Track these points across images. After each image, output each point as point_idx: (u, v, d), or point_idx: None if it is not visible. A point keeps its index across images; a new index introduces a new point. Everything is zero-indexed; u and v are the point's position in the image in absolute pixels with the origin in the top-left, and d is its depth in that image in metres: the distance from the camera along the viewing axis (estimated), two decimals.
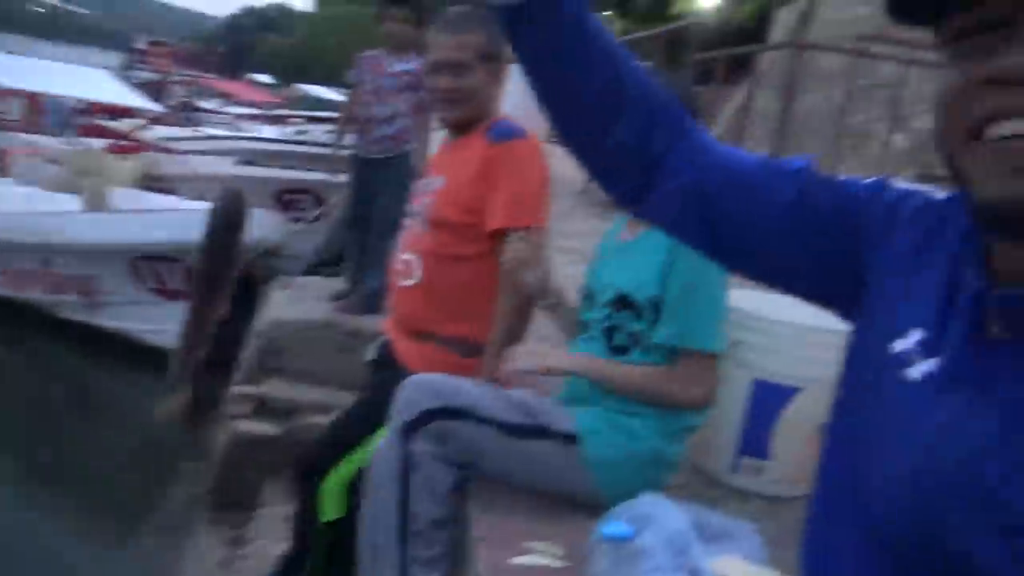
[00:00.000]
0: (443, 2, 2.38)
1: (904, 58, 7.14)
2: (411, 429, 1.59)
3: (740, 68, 10.60)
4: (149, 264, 5.59)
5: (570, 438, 1.61)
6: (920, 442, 0.64)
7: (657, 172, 0.81)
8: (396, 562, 1.61)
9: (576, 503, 1.64)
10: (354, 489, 1.98)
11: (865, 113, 8.20)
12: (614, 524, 1.22)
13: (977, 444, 0.60)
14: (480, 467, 1.66)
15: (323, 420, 3.27)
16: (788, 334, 1.86)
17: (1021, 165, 0.54)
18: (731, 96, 10.03)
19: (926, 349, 0.68)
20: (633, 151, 0.80)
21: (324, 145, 8.99)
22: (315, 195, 7.19)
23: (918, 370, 0.67)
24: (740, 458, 1.94)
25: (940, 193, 0.76)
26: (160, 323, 5.66)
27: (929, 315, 0.69)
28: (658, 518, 1.37)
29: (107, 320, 5.85)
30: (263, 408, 3.54)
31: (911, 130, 8.12)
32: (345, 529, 2.05)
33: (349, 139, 4.03)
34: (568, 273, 2.38)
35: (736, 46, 9.94)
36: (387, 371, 2.11)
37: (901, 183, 0.80)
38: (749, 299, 1.92)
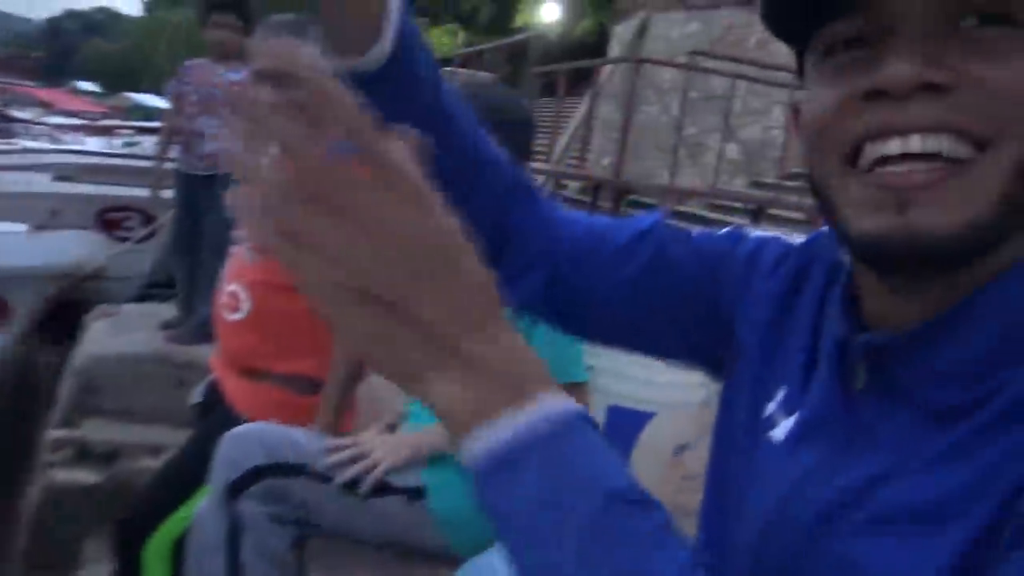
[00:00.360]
0: (269, 9, 2.21)
1: (732, 72, 7.51)
2: (237, 490, 1.42)
3: (582, 80, 10.84)
4: None
5: (416, 492, 1.49)
6: (772, 504, 0.59)
7: (507, 252, 0.74)
8: None
9: (426, 556, 1.52)
10: (180, 551, 1.79)
11: (699, 124, 8.57)
12: None
13: (826, 503, 0.55)
14: (319, 525, 1.51)
15: (153, 463, 2.99)
16: (638, 358, 1.82)
17: (902, 192, 0.47)
18: (574, 107, 10.24)
19: (788, 406, 0.63)
20: (484, 229, 0.72)
21: (152, 159, 8.46)
22: (143, 213, 6.70)
23: (782, 430, 0.62)
24: None
25: (798, 237, 0.71)
26: None
27: (794, 369, 0.64)
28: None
29: None
30: (83, 454, 3.20)
31: (741, 140, 8.55)
32: None
33: (173, 153, 3.76)
34: None
35: (577, 59, 10.16)
36: (215, 416, 1.92)
37: (757, 231, 0.75)
38: None
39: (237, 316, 1.90)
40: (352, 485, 1.45)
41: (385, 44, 0.58)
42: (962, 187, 0.46)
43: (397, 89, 0.60)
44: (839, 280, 0.62)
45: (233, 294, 1.91)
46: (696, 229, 0.77)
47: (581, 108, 9.95)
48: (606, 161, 9.87)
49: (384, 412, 2.34)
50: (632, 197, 9.29)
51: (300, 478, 1.44)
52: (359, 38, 0.58)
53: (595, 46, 12.31)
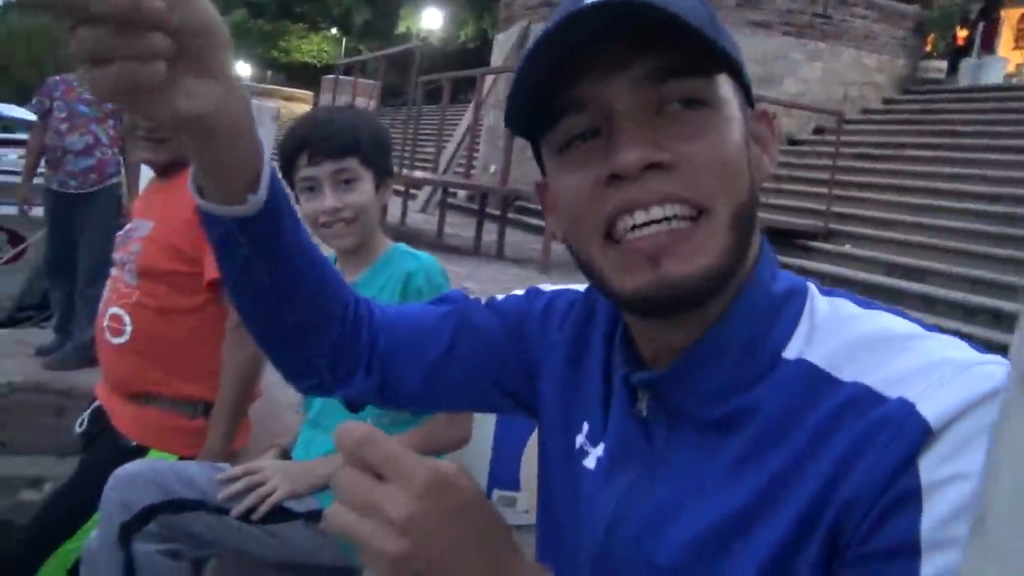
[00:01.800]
0: None
1: None
2: (130, 530, 1.41)
3: (468, 87, 10.90)
4: None
5: (314, 515, 1.52)
6: (599, 528, 0.66)
7: (341, 365, 0.82)
8: None
9: (328, 572, 1.55)
10: None
11: None
12: None
13: (642, 522, 0.62)
14: (218, 551, 1.51)
15: (34, 496, 2.87)
16: None
17: (652, 252, 0.57)
18: (459, 115, 10.29)
19: (593, 437, 0.71)
20: (324, 355, 0.81)
21: (17, 173, 7.99)
22: (9, 232, 6.35)
23: (592, 459, 0.70)
24: (492, 491, 1.95)
25: (583, 285, 0.80)
26: None
27: (594, 405, 0.73)
28: None
29: None
30: None
31: None
32: None
33: (40, 170, 3.61)
34: None
35: (461, 66, 10.22)
36: (102, 443, 1.89)
37: (550, 286, 0.86)
38: None
39: (121, 340, 1.87)
40: (248, 514, 1.47)
41: (262, 191, 0.66)
42: (695, 243, 0.57)
43: (272, 227, 0.68)
44: (618, 327, 0.72)
45: (116, 317, 1.88)
46: (499, 295, 0.87)
47: (466, 117, 10.03)
48: (492, 169, 9.96)
49: (279, 432, 2.34)
50: (519, 203, 9.43)
51: (195, 512, 1.44)
52: (238, 188, 0.65)
53: (477, 53, 12.41)
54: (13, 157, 11.20)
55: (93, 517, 1.76)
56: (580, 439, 0.72)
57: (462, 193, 10.26)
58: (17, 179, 7.98)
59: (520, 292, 0.86)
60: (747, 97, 0.63)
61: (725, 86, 0.60)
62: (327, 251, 1.78)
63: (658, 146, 0.57)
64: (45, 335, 3.69)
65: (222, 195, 0.65)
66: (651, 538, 0.61)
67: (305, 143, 1.53)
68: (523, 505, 1.96)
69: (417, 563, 0.45)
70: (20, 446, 3.16)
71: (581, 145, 0.60)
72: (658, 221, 0.57)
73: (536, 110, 0.61)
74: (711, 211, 0.57)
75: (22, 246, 5.82)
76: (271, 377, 1.99)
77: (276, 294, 0.73)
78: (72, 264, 3.52)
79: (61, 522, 1.75)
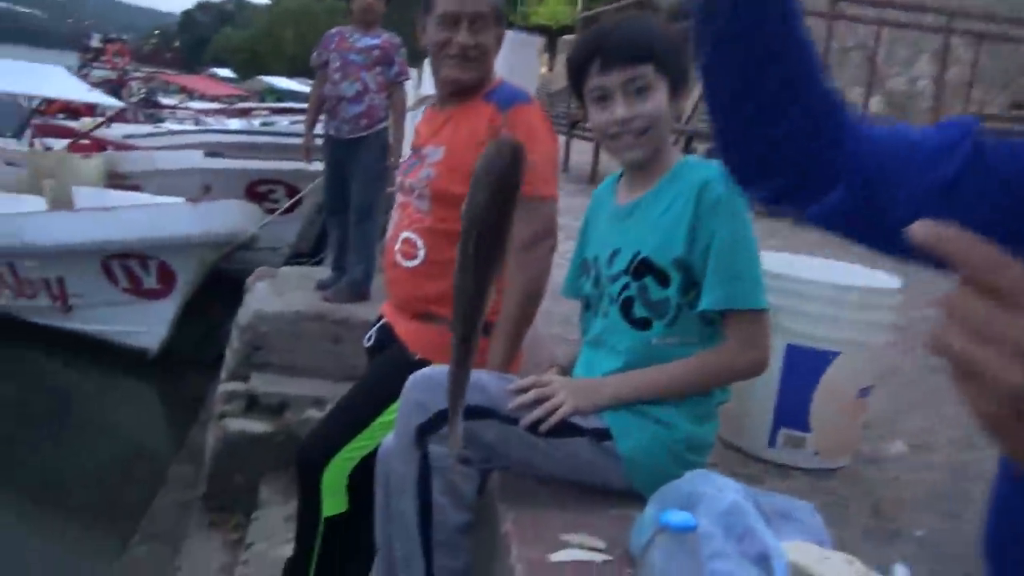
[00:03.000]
0: None
1: (873, 18, 7.07)
2: (426, 432, 1.45)
3: None
4: (121, 263, 5.40)
5: (601, 434, 1.49)
6: None
7: (817, 168, 0.75)
8: (421, 574, 1.49)
9: (609, 493, 1.52)
10: (356, 482, 1.87)
11: (841, 77, 8.15)
12: (674, 513, 1.10)
13: None
14: (505, 464, 1.53)
15: (317, 414, 3.13)
16: (822, 295, 1.75)
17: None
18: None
19: None
20: (801, 141, 0.74)
21: (292, 135, 8.77)
22: (287, 185, 7.00)
23: None
24: (777, 431, 1.83)
25: None
26: (137, 324, 5.48)
27: None
28: (709, 497, 1.26)
29: (81, 324, 5.65)
30: (253, 405, 3.39)
31: (886, 92, 8.08)
32: (350, 524, 1.94)
33: (321, 126, 3.90)
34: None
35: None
36: (388, 356, 1.98)
37: None
38: (777, 260, 1.82)
39: (414, 263, 1.94)
40: (536, 426, 1.47)
41: None
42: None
43: None
44: None
45: (409, 241, 1.95)
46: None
47: None
48: None
49: (543, 356, 2.36)
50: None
51: (488, 421, 1.45)
52: None
53: None
54: (285, 123, 12.38)
55: (374, 423, 1.87)
56: None
57: (702, 147, 9.94)
58: (290, 141, 8.75)
59: None
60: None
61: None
62: (613, 167, 1.75)
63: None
64: (324, 272, 3.99)
65: None
66: None
67: (596, 50, 1.48)
68: (812, 447, 1.82)
69: None
70: (304, 369, 3.46)
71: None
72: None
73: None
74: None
75: (297, 197, 6.37)
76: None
77: (764, 44, 0.72)
78: (345, 205, 3.75)
79: (345, 426, 1.87)
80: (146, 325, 5.42)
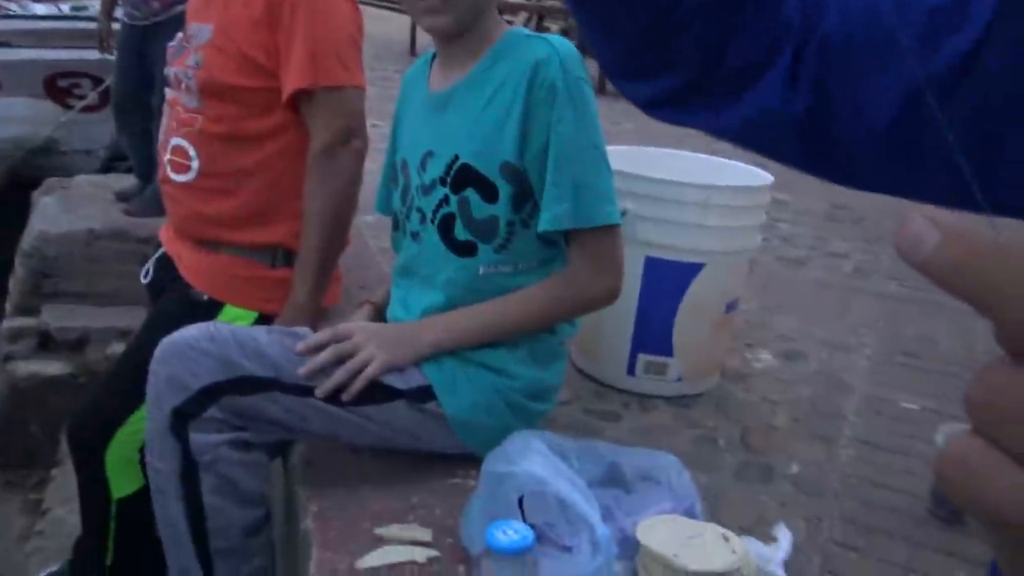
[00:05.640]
0: None
1: None
2: (186, 415, 1.10)
3: None
4: None
5: (422, 393, 1.18)
6: None
7: (739, 48, 0.46)
8: None
9: (438, 457, 1.23)
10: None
11: None
12: (502, 527, 0.81)
13: None
14: (300, 439, 1.21)
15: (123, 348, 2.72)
16: (686, 198, 1.48)
17: None
18: None
19: None
20: (713, 5, 0.46)
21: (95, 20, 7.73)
22: (94, 78, 6.14)
23: None
24: (636, 357, 1.58)
25: None
26: None
27: None
28: (539, 478, 0.97)
29: None
30: (46, 343, 2.91)
31: None
32: (148, 500, 1.60)
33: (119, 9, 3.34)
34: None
35: None
36: (171, 297, 1.60)
37: None
38: (630, 156, 1.52)
39: (186, 177, 1.54)
40: (337, 393, 1.14)
41: None
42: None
43: None
44: None
45: (179, 150, 1.55)
46: None
47: None
48: None
49: (371, 287, 2.03)
50: None
51: (268, 393, 1.12)
52: None
53: None
54: (98, 3, 11.01)
55: None
56: None
57: None
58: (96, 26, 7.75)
59: None
60: None
61: None
62: (426, 44, 1.38)
63: None
64: (128, 181, 3.47)
65: None
66: None
67: None
68: (675, 373, 1.59)
69: None
70: (105, 297, 2.99)
71: None
72: None
73: None
74: None
75: (102, 86, 5.59)
76: (362, 218, 1.64)
77: None
78: (147, 103, 3.23)
79: (123, 396, 1.49)
80: None
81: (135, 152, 3.41)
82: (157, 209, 3.07)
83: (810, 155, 0.47)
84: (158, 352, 1.12)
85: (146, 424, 1.17)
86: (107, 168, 4.88)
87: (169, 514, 1.14)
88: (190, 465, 1.10)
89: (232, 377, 1.08)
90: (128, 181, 3.41)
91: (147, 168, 3.28)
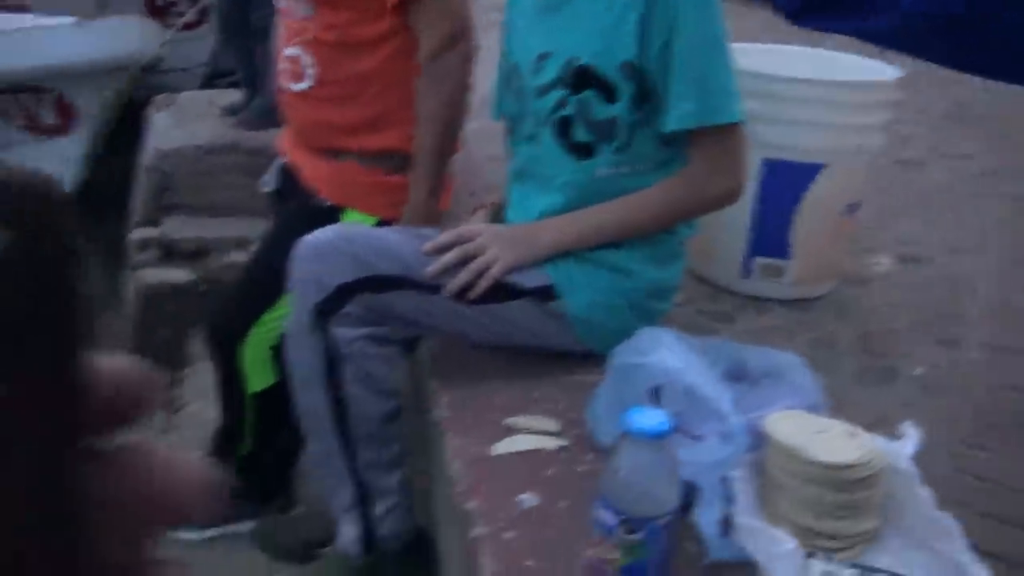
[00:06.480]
0: None
1: None
2: (326, 312, 1.15)
3: None
4: (13, 98, 4.83)
5: (544, 292, 1.20)
6: None
7: None
8: (344, 473, 1.25)
9: (561, 355, 1.26)
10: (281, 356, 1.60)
11: None
12: (640, 415, 0.84)
13: None
14: (428, 335, 1.26)
15: (242, 258, 2.84)
16: (807, 95, 1.43)
17: None
18: None
19: None
20: None
21: None
22: None
23: None
24: (752, 259, 1.56)
25: None
26: (40, 165, 4.99)
27: None
28: (670, 369, 0.99)
29: None
30: (170, 252, 3.06)
31: None
32: (281, 394, 1.70)
33: None
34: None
35: None
36: (292, 204, 1.66)
37: None
38: (751, 55, 1.47)
39: (303, 85, 1.57)
40: (464, 292, 1.18)
41: None
42: None
43: None
44: None
45: (293, 59, 1.57)
46: None
47: None
48: None
49: (480, 192, 2.05)
50: None
51: (401, 292, 1.16)
52: None
53: None
54: None
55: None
56: None
57: None
58: None
59: None
60: None
61: None
62: None
63: None
64: (234, 96, 3.55)
65: None
66: None
67: None
68: (791, 276, 1.57)
69: None
70: (220, 208, 3.11)
71: None
72: None
73: None
74: None
75: (200, 4, 5.67)
76: (470, 126, 1.65)
77: None
78: (246, 17, 3.25)
79: (256, 297, 1.57)
80: (50, 165, 4.93)
81: (242, 67, 3.46)
82: (266, 121, 3.17)
83: (964, 48, 0.45)
84: (297, 253, 1.18)
85: (287, 320, 1.24)
86: (208, 84, 5.00)
87: (313, 404, 1.22)
88: (333, 357, 1.17)
89: (365, 276, 1.13)
90: (233, 96, 3.48)
91: (253, 82, 3.35)
